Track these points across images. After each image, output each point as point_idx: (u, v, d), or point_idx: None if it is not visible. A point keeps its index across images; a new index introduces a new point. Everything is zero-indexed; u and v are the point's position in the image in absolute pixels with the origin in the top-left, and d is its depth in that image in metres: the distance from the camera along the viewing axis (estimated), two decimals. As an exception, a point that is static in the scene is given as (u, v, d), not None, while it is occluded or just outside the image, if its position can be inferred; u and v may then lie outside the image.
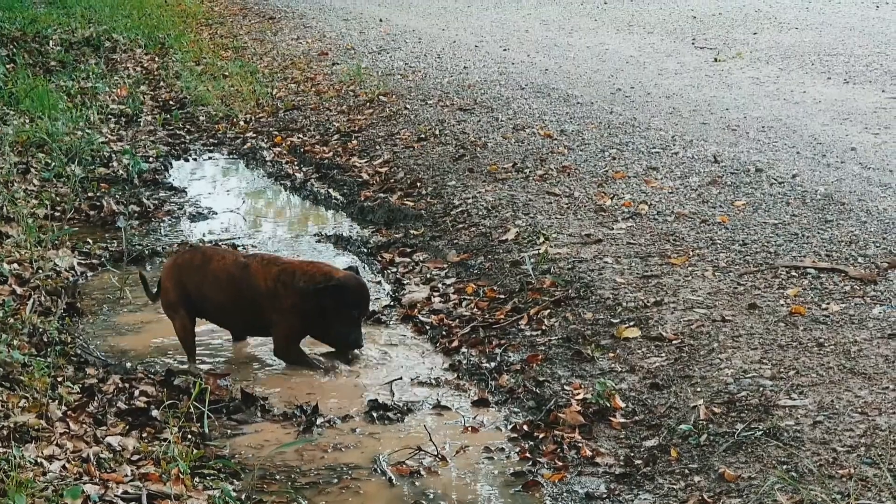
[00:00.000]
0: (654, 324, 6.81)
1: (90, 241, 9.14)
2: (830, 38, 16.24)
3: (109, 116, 13.60)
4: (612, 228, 8.51)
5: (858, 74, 13.61)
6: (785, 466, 5.14)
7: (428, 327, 7.52)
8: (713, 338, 6.51)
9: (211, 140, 13.17)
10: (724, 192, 9.16)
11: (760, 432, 5.43)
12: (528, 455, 5.81)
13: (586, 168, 10.13)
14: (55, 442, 5.53)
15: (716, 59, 15.18)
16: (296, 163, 11.86)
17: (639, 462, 5.54)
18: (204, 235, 9.58)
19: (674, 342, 6.56)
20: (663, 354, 6.46)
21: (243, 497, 5.38)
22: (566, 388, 6.34)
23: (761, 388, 5.85)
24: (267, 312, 6.96)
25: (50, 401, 5.93)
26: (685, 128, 11.38)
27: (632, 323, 6.88)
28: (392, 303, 7.98)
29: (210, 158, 12.63)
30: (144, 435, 5.89)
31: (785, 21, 17.92)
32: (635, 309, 7.05)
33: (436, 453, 5.85)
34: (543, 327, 7.14)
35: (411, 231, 9.29)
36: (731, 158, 10.10)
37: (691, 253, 7.85)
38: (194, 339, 7.17)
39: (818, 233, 8.08)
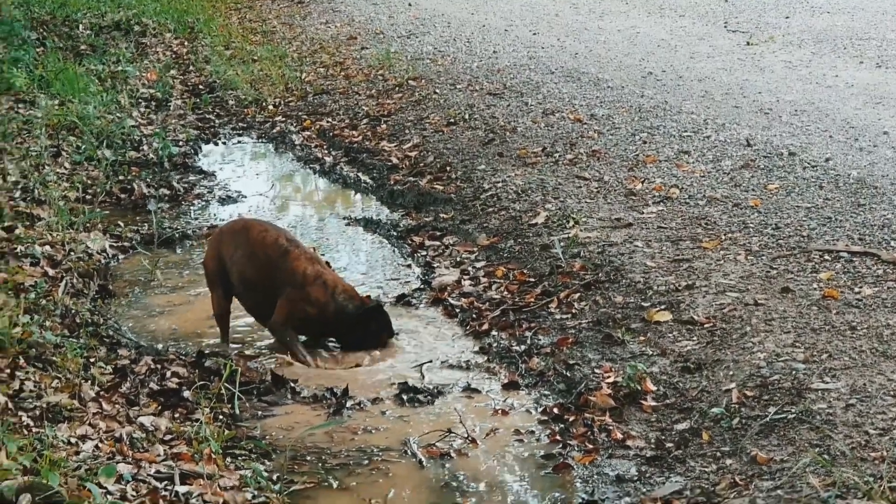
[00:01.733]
0: (685, 307, 6.78)
1: (121, 224, 9.18)
2: (863, 22, 16.12)
3: (140, 100, 13.63)
4: (643, 212, 8.48)
5: (891, 58, 13.51)
6: (817, 449, 5.11)
7: (458, 310, 7.52)
8: (745, 321, 6.48)
9: (240, 124, 13.19)
10: (756, 176, 9.12)
11: (793, 415, 5.41)
12: (558, 438, 5.80)
13: (616, 152, 10.10)
14: (88, 422, 5.56)
15: (748, 43, 15.08)
16: (325, 147, 11.87)
17: (670, 445, 5.52)
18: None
19: (706, 326, 6.53)
20: (695, 338, 6.44)
21: (275, 477, 5.39)
22: (597, 371, 6.33)
23: (794, 372, 5.82)
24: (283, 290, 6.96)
25: (83, 381, 5.95)
26: (717, 111, 11.32)
27: (663, 306, 6.86)
28: (422, 286, 7.98)
29: (239, 142, 12.64)
30: (176, 415, 5.91)
31: (817, 5, 17.80)
32: (666, 293, 7.03)
33: (466, 436, 5.85)
34: (574, 311, 7.13)
35: (441, 214, 9.28)
36: (764, 142, 10.05)
37: (723, 237, 7.81)
38: (229, 318, 7.19)
39: (851, 216, 8.03)
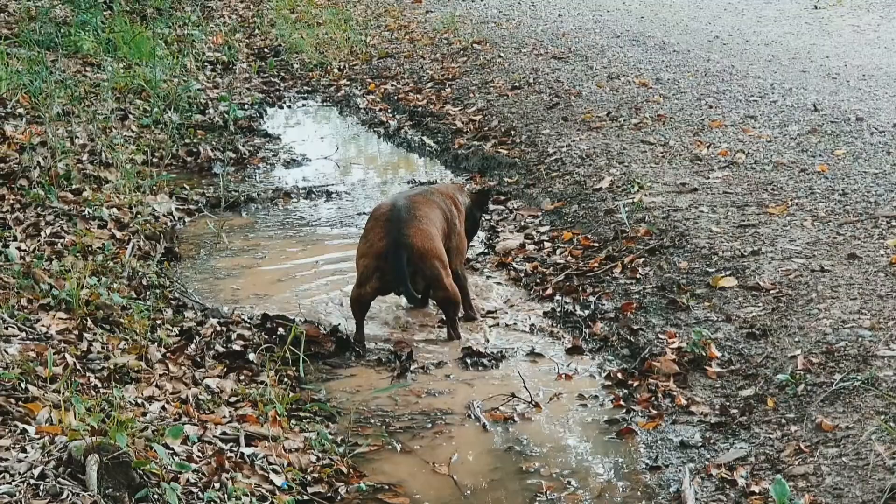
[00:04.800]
0: (751, 273, 6.73)
1: (187, 187, 9.24)
2: (934, -16, 15.90)
3: (205, 64, 13.71)
4: (708, 177, 8.42)
5: (963, 22, 13.34)
6: (883, 417, 5.07)
7: (522, 275, 7.52)
8: (812, 288, 6.43)
9: (305, 87, 13.24)
10: (823, 141, 9.03)
11: (859, 382, 5.37)
12: (622, 403, 5.80)
13: (682, 117, 10.03)
14: (154, 383, 5.61)
15: (816, 7, 14.92)
16: (389, 110, 11.89)
17: (735, 411, 5.50)
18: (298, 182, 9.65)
19: (771, 292, 6.48)
20: (760, 304, 6.39)
21: (339, 440, 5.42)
22: (661, 336, 6.31)
23: (860, 339, 5.77)
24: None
25: (149, 343, 6.00)
26: (784, 76, 11.21)
27: (728, 272, 6.81)
28: (486, 250, 7.99)
29: (304, 106, 12.69)
30: (241, 377, 5.95)
31: (887, -32, 17.58)
32: (731, 258, 6.98)
33: (529, 400, 5.86)
34: (638, 276, 7.10)
35: (505, 179, 9.27)
36: (831, 107, 9.94)
37: (790, 202, 7.74)
38: None
39: (920, 182, 7.94)
